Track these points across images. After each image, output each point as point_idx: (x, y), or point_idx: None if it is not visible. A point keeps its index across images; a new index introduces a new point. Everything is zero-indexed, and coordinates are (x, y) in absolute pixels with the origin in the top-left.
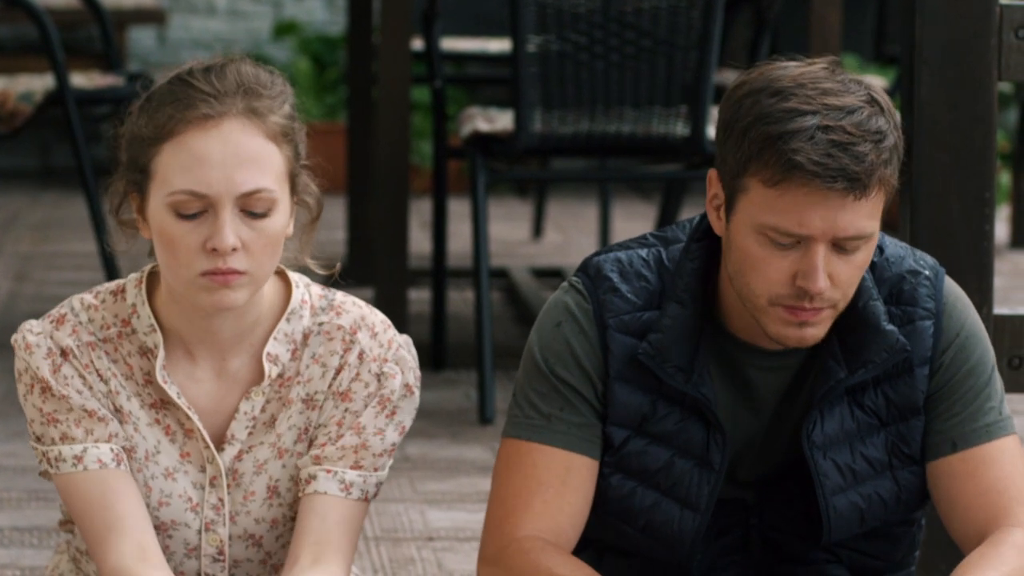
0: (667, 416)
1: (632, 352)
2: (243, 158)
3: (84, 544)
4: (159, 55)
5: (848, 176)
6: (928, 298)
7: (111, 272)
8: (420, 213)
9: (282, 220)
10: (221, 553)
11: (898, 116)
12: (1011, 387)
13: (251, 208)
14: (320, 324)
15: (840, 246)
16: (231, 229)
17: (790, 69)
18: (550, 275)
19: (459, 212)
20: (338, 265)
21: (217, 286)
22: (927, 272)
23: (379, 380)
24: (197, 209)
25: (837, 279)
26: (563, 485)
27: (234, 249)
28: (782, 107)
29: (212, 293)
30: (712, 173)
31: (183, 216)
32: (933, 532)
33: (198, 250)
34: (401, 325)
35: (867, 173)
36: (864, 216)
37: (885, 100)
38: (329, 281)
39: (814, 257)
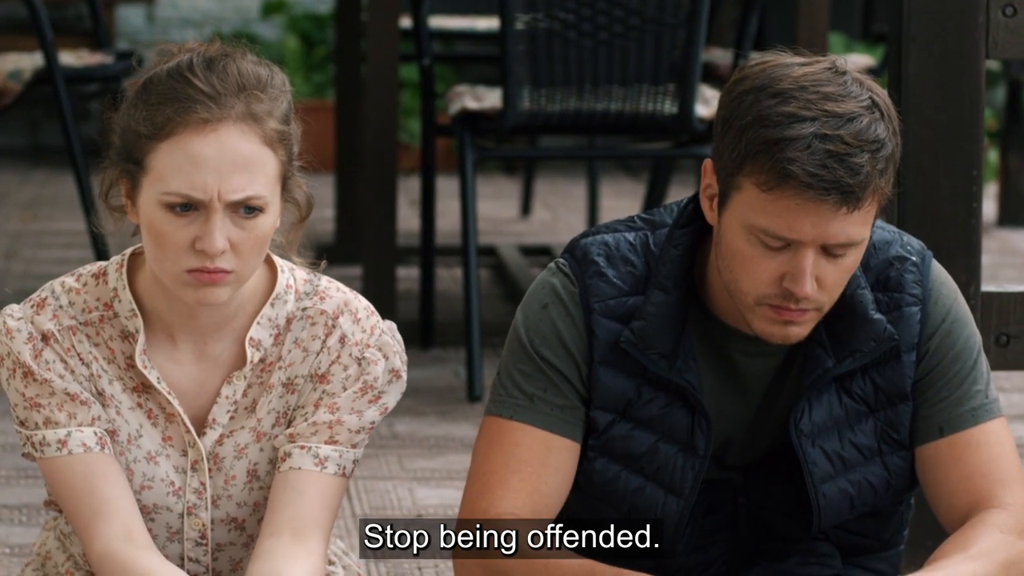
0: (652, 401)
1: (617, 337)
2: (238, 164)
3: (68, 527)
4: (148, 33)
5: (842, 189)
6: (914, 284)
7: (100, 251)
8: (408, 191)
9: (271, 220)
10: (204, 537)
11: (896, 119)
12: (998, 364)
13: (241, 209)
14: (303, 309)
15: (830, 251)
16: (221, 232)
17: (792, 68)
18: (538, 253)
19: (447, 190)
20: (323, 263)
21: (202, 284)
22: (914, 257)
23: (360, 365)
24: (188, 206)
25: (824, 282)
26: (542, 465)
27: (222, 251)
28: (781, 111)
29: (196, 290)
30: (708, 163)
31: (174, 213)
32: (920, 510)
33: (186, 248)
34: (389, 303)
35: (861, 186)
36: (856, 224)
37: (885, 103)
38: (313, 262)
39: (802, 261)
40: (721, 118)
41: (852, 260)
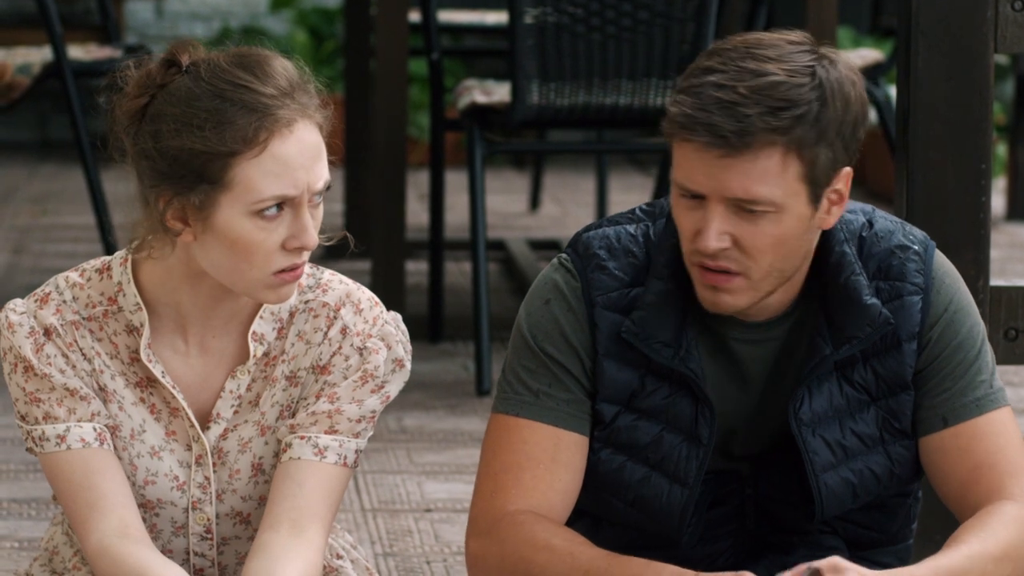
0: (656, 391)
1: (619, 329)
2: (314, 156)
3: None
4: (156, 27)
5: (714, 131)
6: (917, 273)
7: (108, 245)
8: (417, 185)
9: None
10: (209, 531)
11: (847, 96)
12: (1007, 359)
13: (315, 197)
14: (306, 302)
15: (741, 209)
16: (312, 225)
17: (750, 35)
18: (547, 247)
19: (456, 184)
20: (350, 239)
21: (288, 282)
22: (916, 247)
23: (361, 355)
24: (278, 206)
25: (743, 244)
26: (552, 461)
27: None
28: (700, 66)
29: (279, 289)
30: None
31: (265, 218)
32: (929, 503)
33: (276, 250)
34: (398, 297)
35: (739, 133)
36: (754, 180)
37: (831, 76)
38: (336, 244)
39: (707, 215)
40: None
41: (774, 227)
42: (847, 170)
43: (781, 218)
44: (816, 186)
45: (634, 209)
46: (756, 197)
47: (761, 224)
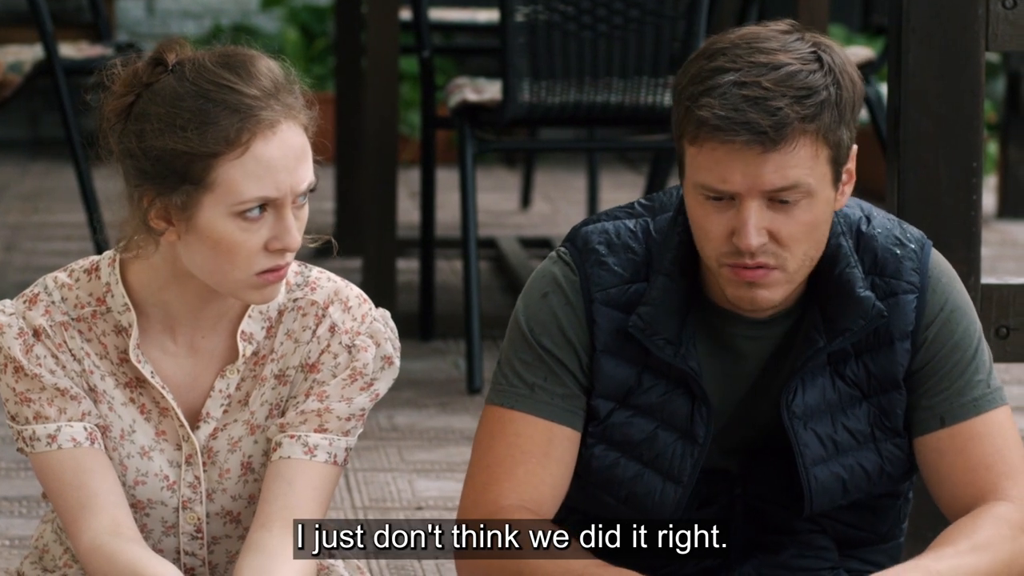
0: (652, 388)
1: (619, 325)
2: (298, 157)
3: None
4: (148, 25)
5: (752, 129)
6: (913, 272)
7: (99, 243)
8: (408, 183)
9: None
10: (199, 531)
11: (852, 75)
12: (998, 357)
13: (299, 198)
14: (295, 300)
15: (776, 200)
16: (295, 227)
17: (737, 31)
18: (538, 245)
19: (447, 182)
20: (334, 244)
21: (271, 282)
22: (912, 245)
23: (350, 352)
24: (261, 208)
25: (779, 236)
26: (545, 456)
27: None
28: (708, 67)
29: (262, 290)
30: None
31: (247, 219)
32: (920, 502)
33: (259, 251)
34: (389, 295)
35: (776, 126)
36: (790, 167)
37: (834, 59)
38: (321, 247)
39: (743, 213)
40: (672, 91)
41: (807, 215)
42: (855, 148)
43: (813, 204)
44: (838, 167)
45: (632, 203)
46: (791, 183)
47: (795, 213)
